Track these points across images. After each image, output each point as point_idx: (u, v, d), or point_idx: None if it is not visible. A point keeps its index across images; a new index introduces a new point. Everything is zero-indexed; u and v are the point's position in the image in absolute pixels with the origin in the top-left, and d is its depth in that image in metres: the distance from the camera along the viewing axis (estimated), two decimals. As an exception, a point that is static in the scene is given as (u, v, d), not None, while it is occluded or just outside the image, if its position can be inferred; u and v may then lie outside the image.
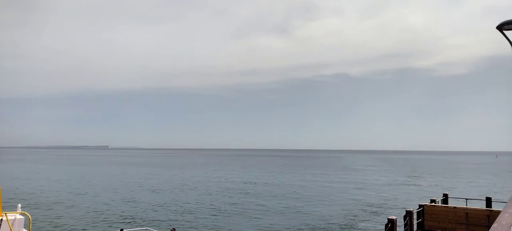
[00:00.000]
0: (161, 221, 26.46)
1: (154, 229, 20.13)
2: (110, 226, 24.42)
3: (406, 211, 17.52)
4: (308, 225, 25.47)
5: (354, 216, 28.93)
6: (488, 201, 20.63)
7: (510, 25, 10.15)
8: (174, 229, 15.28)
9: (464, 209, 17.85)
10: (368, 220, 27.24)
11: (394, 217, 15.67)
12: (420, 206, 18.78)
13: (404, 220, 17.26)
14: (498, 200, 21.68)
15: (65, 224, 25.25)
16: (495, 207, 19.67)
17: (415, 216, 17.97)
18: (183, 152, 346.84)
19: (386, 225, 15.47)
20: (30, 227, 12.73)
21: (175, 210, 31.04)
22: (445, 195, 21.34)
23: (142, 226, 23.45)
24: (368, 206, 33.87)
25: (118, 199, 37.46)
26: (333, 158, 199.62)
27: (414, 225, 17.88)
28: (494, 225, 4.38)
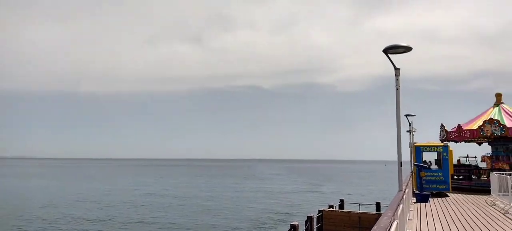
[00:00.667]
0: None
1: None
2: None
3: (307, 216, 18.61)
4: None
5: (261, 223, 29.75)
6: (378, 205, 23.01)
7: (393, 49, 11.51)
8: None
9: (357, 213, 19.61)
10: (274, 228, 28.24)
11: (296, 223, 16.51)
12: (319, 211, 20.11)
13: (305, 225, 18.31)
14: (386, 204, 24.26)
15: None
16: (383, 210, 22.00)
17: (315, 221, 19.17)
18: (88, 162, 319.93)
19: (289, 231, 16.22)
20: None
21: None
22: (342, 201, 23.18)
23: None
24: (275, 213, 35.13)
25: None
26: (244, 167, 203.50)
27: (314, 230, 19.04)
28: (374, 227, 4.89)
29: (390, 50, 11.64)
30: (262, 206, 40.19)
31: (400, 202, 7.92)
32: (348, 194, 54.05)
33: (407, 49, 11.50)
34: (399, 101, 11.28)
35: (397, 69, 11.39)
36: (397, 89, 11.38)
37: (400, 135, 10.54)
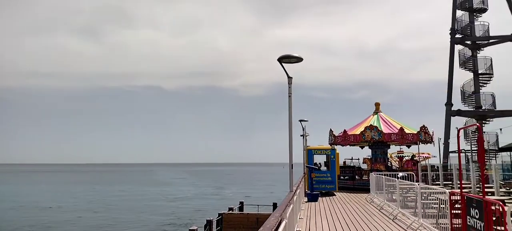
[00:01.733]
0: None
1: None
2: None
3: (206, 220, 18.63)
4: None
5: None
6: (275, 206, 24.10)
7: (287, 59, 12.23)
8: None
9: (255, 215, 20.31)
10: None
11: (195, 228, 16.41)
12: (219, 214, 20.30)
13: (205, 229, 18.31)
14: (281, 204, 25.55)
15: None
16: (278, 210, 23.12)
17: (214, 225, 19.29)
18: None
19: (187, 236, 16.02)
20: None
21: None
22: (241, 203, 23.75)
23: None
24: (177, 218, 34.38)
25: None
26: (145, 171, 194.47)
27: (213, 233, 19.15)
28: (261, 228, 5.13)
29: (284, 59, 12.34)
30: (163, 212, 38.99)
31: (289, 202, 8.46)
32: (247, 196, 55.59)
33: (298, 59, 12.34)
34: (291, 107, 12.03)
35: (289, 78, 12.13)
36: (289, 96, 12.12)
37: (292, 139, 11.25)
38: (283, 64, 12.16)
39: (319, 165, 21.97)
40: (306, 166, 20.91)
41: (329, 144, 26.60)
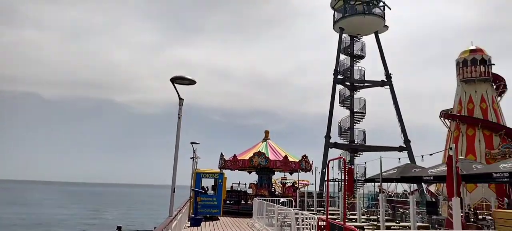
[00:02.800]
0: None
1: None
2: None
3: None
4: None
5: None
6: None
7: (180, 80, 12.09)
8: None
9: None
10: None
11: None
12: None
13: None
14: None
15: None
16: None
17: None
18: None
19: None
20: None
21: None
22: (119, 228, 22.14)
23: None
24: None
25: None
26: (5, 189, 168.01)
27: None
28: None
29: (176, 80, 12.18)
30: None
31: (165, 227, 8.18)
32: (128, 219, 52.30)
33: (191, 82, 12.31)
34: (179, 129, 11.84)
35: (181, 99, 12.00)
36: (179, 117, 11.95)
37: (177, 161, 11.01)
38: (175, 85, 12.00)
39: (206, 189, 21.90)
40: (192, 190, 20.64)
41: (218, 167, 26.82)
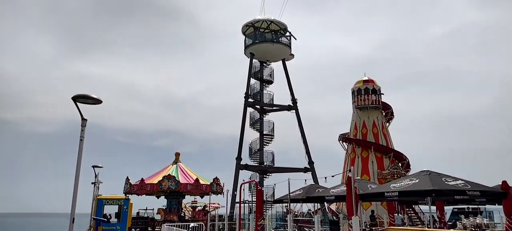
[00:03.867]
0: None
1: None
2: None
3: None
4: None
5: None
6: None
7: (83, 99, 11.19)
8: None
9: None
10: None
11: None
12: None
13: None
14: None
15: None
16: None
17: None
18: None
19: None
20: None
21: None
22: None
23: None
24: None
25: None
26: None
27: None
28: None
29: (79, 99, 11.25)
30: None
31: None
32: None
33: (97, 101, 11.46)
34: (81, 152, 10.90)
35: (84, 120, 11.08)
36: (81, 140, 10.99)
37: (77, 188, 10.05)
38: (78, 104, 11.08)
39: (109, 217, 20.29)
40: (93, 218, 18.95)
41: (124, 193, 25.16)
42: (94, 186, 21.36)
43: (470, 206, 28.79)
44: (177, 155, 28.99)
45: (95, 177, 21.23)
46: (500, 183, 15.38)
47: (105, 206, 19.89)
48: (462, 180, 12.22)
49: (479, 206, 27.93)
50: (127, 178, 25.89)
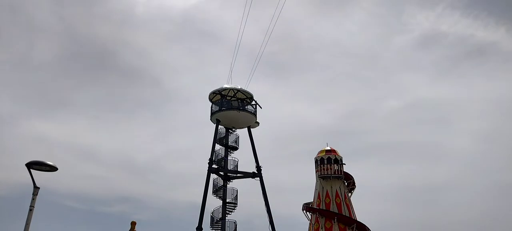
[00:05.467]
0: None
1: None
2: None
3: None
4: None
5: None
6: None
7: (37, 166, 10.68)
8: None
9: None
10: None
11: None
12: None
13: None
14: None
15: None
16: None
17: None
18: None
19: None
20: None
21: None
22: None
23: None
24: None
25: None
26: None
27: None
28: None
29: (33, 166, 10.78)
30: None
31: None
32: None
33: (52, 168, 11.00)
34: (30, 223, 10.20)
35: (36, 188, 10.51)
36: (31, 209, 10.33)
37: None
38: (31, 171, 10.58)
39: None
40: None
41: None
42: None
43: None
44: (133, 224, 27.42)
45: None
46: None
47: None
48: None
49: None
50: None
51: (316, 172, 36.69)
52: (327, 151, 36.67)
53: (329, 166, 35.74)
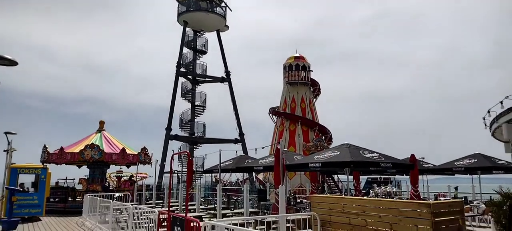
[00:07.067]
0: None
1: None
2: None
3: None
4: None
5: None
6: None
7: (-6, 58, 10.12)
8: None
9: None
10: None
11: None
12: None
13: None
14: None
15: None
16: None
17: None
18: None
19: None
20: None
21: None
22: None
23: None
24: None
25: None
26: None
27: None
28: None
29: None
30: None
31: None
32: None
33: (12, 62, 10.48)
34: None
35: (-5, 81, 10.07)
36: (-9, 102, 9.98)
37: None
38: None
39: (27, 189, 18.80)
40: (6, 188, 17.42)
41: (41, 161, 23.40)
42: (7, 154, 19.50)
43: (382, 176, 31.85)
44: (102, 123, 27.51)
45: (8, 144, 19.37)
46: (409, 156, 17.26)
47: (20, 175, 18.38)
48: (377, 153, 13.43)
49: (390, 176, 31.03)
50: (45, 146, 24.07)
51: (284, 78, 37.27)
52: (295, 57, 36.89)
53: (297, 72, 36.30)
